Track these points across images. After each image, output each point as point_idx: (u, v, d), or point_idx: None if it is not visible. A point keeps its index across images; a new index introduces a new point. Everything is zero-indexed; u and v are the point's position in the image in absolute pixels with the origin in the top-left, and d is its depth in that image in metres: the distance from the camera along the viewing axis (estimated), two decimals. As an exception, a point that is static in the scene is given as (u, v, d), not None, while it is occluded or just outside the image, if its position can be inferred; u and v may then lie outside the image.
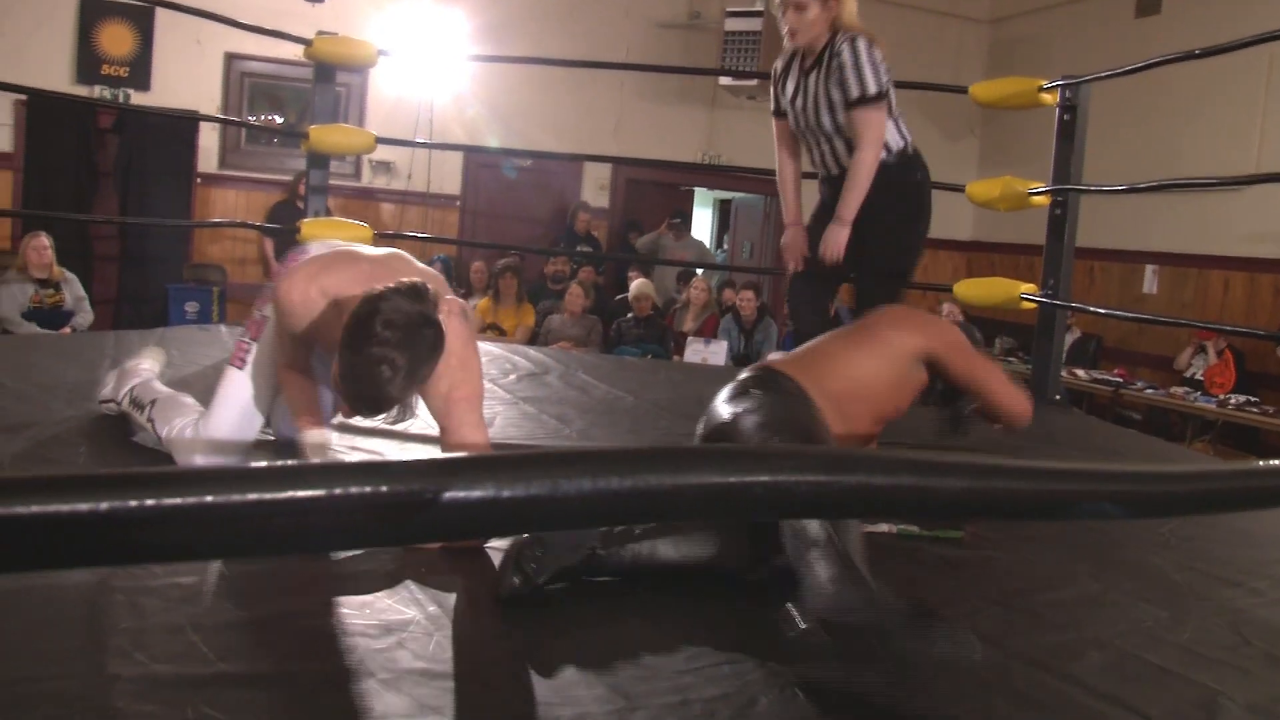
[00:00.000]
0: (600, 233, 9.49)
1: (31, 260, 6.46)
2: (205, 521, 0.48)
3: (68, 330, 6.45)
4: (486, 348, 4.54)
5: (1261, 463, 0.66)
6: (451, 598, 1.69)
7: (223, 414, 2.29)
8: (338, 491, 0.48)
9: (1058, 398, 4.18)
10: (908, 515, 1.42)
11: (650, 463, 0.45)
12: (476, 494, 0.45)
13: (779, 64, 3.21)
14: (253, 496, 0.47)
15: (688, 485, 0.45)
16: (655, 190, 10.15)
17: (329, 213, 4.91)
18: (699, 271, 8.47)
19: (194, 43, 8.04)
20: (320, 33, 4.57)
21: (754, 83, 8.71)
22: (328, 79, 4.75)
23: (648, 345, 7.21)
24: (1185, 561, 2.13)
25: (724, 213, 13.30)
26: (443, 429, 2.10)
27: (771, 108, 3.28)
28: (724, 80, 9.00)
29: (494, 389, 3.52)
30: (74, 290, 6.69)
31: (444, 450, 2.13)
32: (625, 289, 8.20)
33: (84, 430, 2.51)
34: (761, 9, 8.66)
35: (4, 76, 7.39)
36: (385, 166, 8.67)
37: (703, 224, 13.45)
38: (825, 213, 3.14)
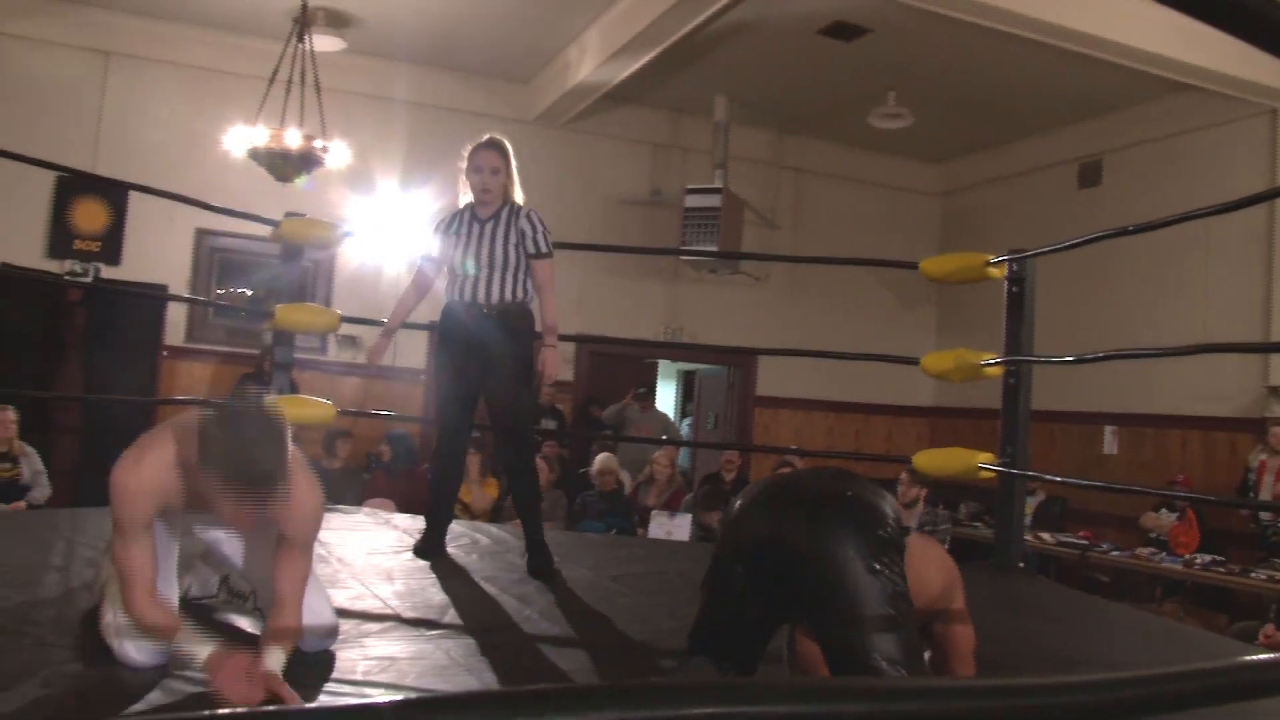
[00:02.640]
0: (565, 405, 9.54)
1: (-6, 434, 6.42)
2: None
3: (22, 504, 6.36)
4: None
5: (1180, 668, 0.68)
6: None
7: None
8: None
9: (1021, 565, 4.18)
10: None
11: (553, 702, 0.46)
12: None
13: (445, 219, 3.95)
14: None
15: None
16: (619, 362, 10.25)
17: (295, 388, 4.94)
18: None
19: (166, 219, 8.17)
20: (289, 214, 4.69)
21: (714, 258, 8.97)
22: (295, 257, 4.86)
23: (612, 519, 7.14)
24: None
25: (688, 384, 13.47)
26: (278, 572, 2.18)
27: (435, 254, 3.92)
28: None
29: (456, 568, 3.49)
30: (32, 464, 6.63)
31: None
32: (589, 463, 8.15)
33: (29, 618, 2.45)
34: (720, 186, 8.98)
35: (-25, 252, 7.53)
36: (351, 341, 8.74)
37: (667, 396, 13.59)
38: (461, 329, 3.72)
